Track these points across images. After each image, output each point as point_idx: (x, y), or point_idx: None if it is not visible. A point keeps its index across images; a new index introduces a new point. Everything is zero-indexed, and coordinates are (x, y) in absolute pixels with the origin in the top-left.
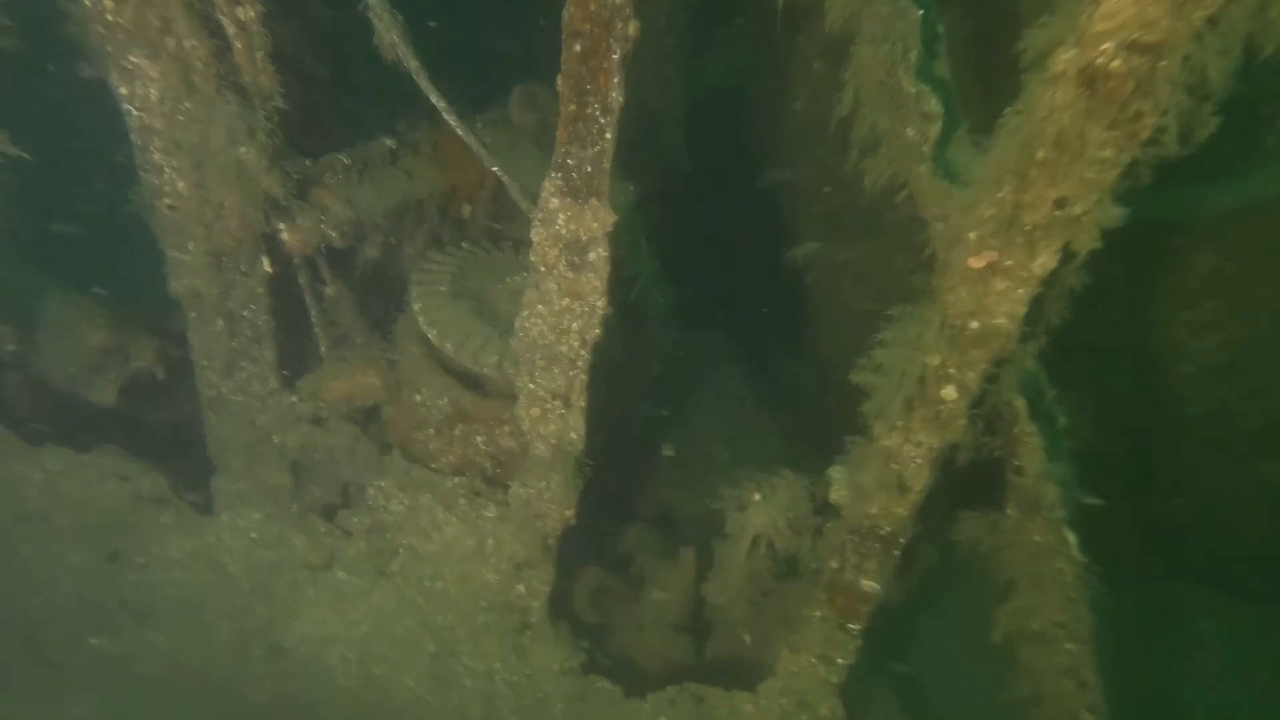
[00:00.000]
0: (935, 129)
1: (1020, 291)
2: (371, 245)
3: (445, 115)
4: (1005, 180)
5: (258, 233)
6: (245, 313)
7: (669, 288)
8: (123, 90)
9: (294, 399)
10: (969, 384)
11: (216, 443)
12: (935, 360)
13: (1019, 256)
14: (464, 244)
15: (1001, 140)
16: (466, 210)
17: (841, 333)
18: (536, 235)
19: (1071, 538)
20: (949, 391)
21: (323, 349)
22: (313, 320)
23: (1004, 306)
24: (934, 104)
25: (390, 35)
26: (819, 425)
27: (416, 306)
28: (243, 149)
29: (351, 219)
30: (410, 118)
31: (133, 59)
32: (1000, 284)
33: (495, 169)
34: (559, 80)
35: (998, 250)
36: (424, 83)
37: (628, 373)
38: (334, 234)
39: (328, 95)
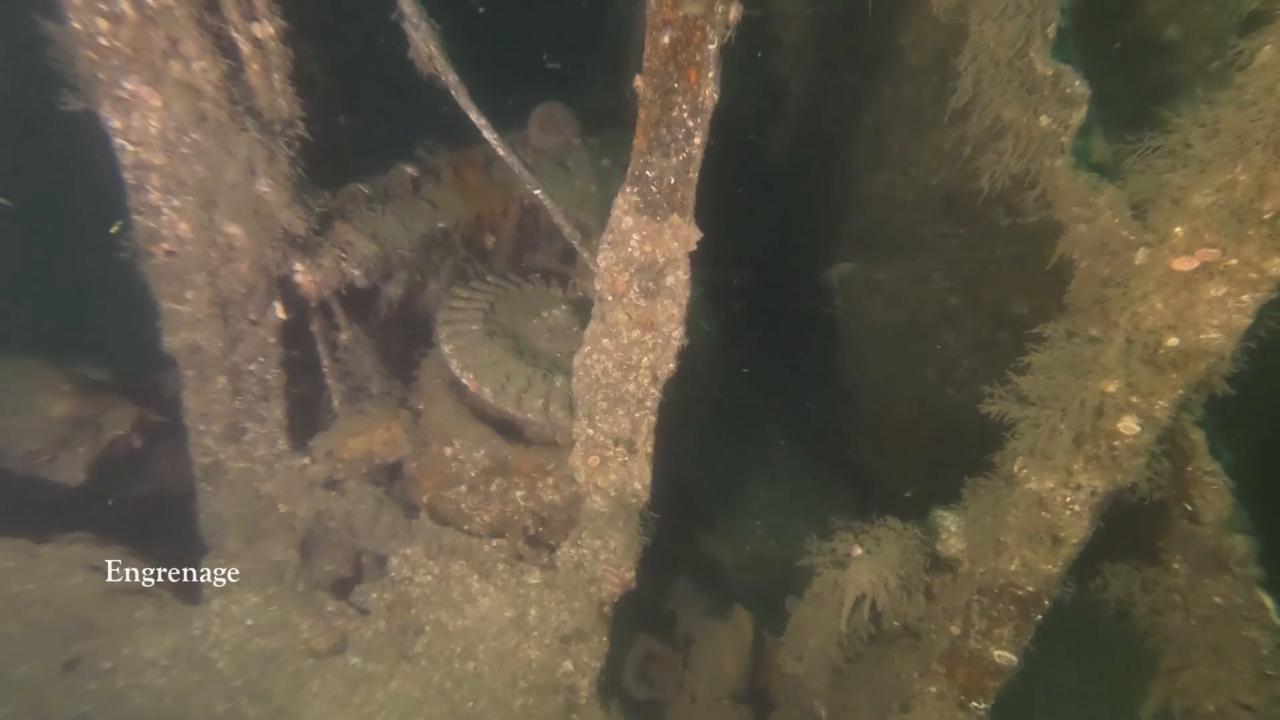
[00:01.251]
0: (1078, 115)
1: (1245, 298)
2: (395, 283)
3: (485, 134)
4: (1239, 158)
5: (272, 276)
6: (253, 367)
7: (714, 315)
8: (116, 123)
9: (306, 461)
10: (1157, 415)
11: (211, 518)
12: (1111, 386)
13: (1250, 254)
14: (490, 278)
15: (1232, 108)
16: (490, 241)
17: (873, 357)
18: (604, 259)
19: (1269, 602)
20: (1129, 424)
21: (335, 403)
22: (325, 371)
23: (1218, 318)
24: (1078, 86)
25: (428, 46)
26: (849, 454)
27: (448, 349)
28: (262, 182)
29: (376, 255)
30: (429, 141)
31: (129, 86)
32: (1216, 289)
33: (538, 193)
34: (638, 80)
35: (1219, 247)
36: (463, 99)
37: (680, 410)
38: (357, 272)
39: (346, 118)
